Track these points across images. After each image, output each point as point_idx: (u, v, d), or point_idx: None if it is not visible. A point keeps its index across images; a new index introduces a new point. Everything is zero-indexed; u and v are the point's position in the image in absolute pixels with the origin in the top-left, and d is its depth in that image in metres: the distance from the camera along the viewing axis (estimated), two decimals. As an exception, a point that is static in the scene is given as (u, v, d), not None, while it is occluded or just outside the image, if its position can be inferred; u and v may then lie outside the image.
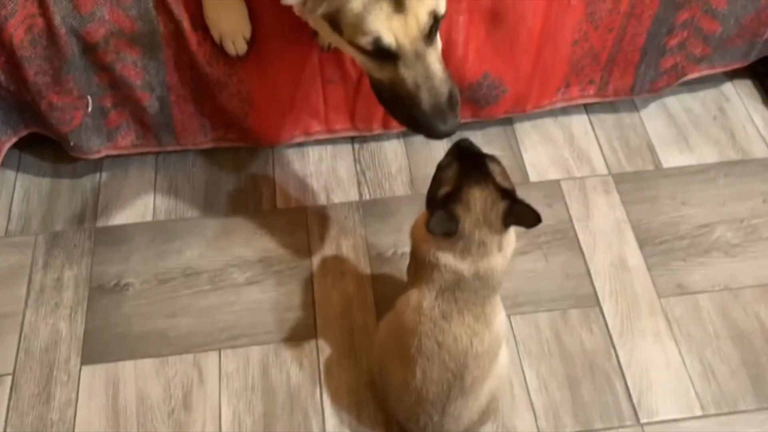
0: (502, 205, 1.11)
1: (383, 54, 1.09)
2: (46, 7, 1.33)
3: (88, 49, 1.40)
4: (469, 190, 1.10)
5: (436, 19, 1.09)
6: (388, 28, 1.06)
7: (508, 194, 1.12)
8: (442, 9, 1.10)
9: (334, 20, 1.09)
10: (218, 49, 1.43)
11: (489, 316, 1.17)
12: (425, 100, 1.09)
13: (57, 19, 1.34)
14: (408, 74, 1.09)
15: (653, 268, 1.56)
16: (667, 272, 1.56)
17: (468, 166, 1.13)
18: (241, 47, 1.41)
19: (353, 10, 1.06)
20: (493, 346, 1.20)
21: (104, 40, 1.39)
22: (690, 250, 1.59)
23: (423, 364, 1.17)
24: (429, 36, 1.10)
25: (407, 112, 1.12)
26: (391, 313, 1.26)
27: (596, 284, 1.54)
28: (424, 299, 1.16)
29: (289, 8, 1.37)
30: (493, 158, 1.16)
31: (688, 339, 1.46)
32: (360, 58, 1.14)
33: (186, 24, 1.39)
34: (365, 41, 1.08)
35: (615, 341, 1.47)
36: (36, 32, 1.36)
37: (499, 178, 1.13)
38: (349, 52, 1.16)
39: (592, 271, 1.56)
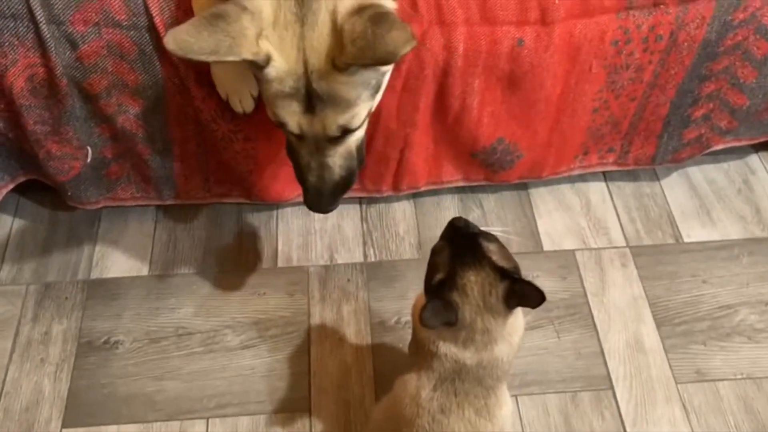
0: (501, 287, 1.02)
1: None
2: (48, 57, 1.29)
3: (90, 100, 1.37)
4: (464, 275, 1.02)
5: (345, 131, 1.11)
6: (295, 121, 1.09)
7: (507, 274, 1.04)
8: (355, 124, 1.11)
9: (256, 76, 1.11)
10: (224, 105, 1.38)
11: (492, 409, 1.08)
12: (310, 180, 1.16)
13: (59, 70, 1.31)
14: (304, 153, 1.15)
15: (671, 350, 1.47)
16: (686, 356, 1.46)
17: (460, 248, 1.05)
18: (248, 105, 1.37)
19: (267, 91, 1.08)
20: None
21: (106, 92, 1.35)
22: (710, 333, 1.50)
23: None
24: (336, 139, 1.12)
25: (297, 176, 1.20)
26: (388, 396, 1.18)
27: (610, 365, 1.45)
28: (422, 388, 1.07)
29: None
30: (488, 236, 1.09)
31: (707, 431, 1.37)
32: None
33: (192, 79, 1.34)
34: (273, 118, 1.12)
35: (628, 429, 1.37)
36: (37, 82, 1.33)
37: (495, 258, 1.05)
38: None
39: (605, 351, 1.47)
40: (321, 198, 1.17)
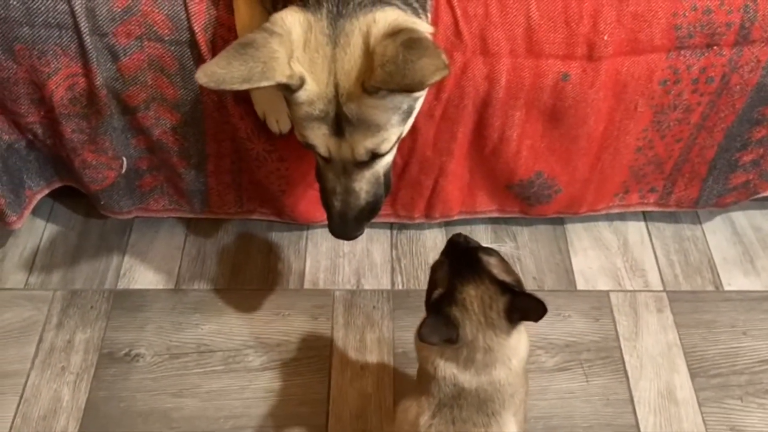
0: (502, 301, 0.99)
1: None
2: (89, 67, 1.30)
3: (128, 111, 1.37)
4: (463, 289, 1.00)
5: (374, 156, 1.08)
6: (323, 144, 1.07)
7: (507, 287, 1.00)
8: (384, 149, 1.08)
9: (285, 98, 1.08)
10: (260, 124, 1.37)
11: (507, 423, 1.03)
12: (335, 205, 1.13)
13: (99, 80, 1.31)
14: (330, 177, 1.12)
15: (705, 403, 1.41)
16: (721, 411, 1.40)
17: (459, 262, 1.03)
18: (285, 125, 1.36)
19: (296, 113, 1.06)
20: None
21: (145, 105, 1.35)
22: (748, 388, 1.43)
23: None
24: (364, 163, 1.10)
25: (322, 199, 1.17)
26: (391, 423, 1.14)
27: (639, 415, 1.40)
28: (421, 414, 1.04)
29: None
30: (488, 250, 1.06)
31: (739, 492, 1.31)
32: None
33: (230, 97, 1.34)
34: (301, 139, 1.09)
35: (655, 484, 1.32)
36: (77, 91, 1.33)
37: (495, 271, 1.02)
38: None
39: (635, 399, 1.42)
40: (345, 224, 1.14)
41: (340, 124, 1.04)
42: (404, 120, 1.09)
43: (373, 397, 1.42)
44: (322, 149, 1.08)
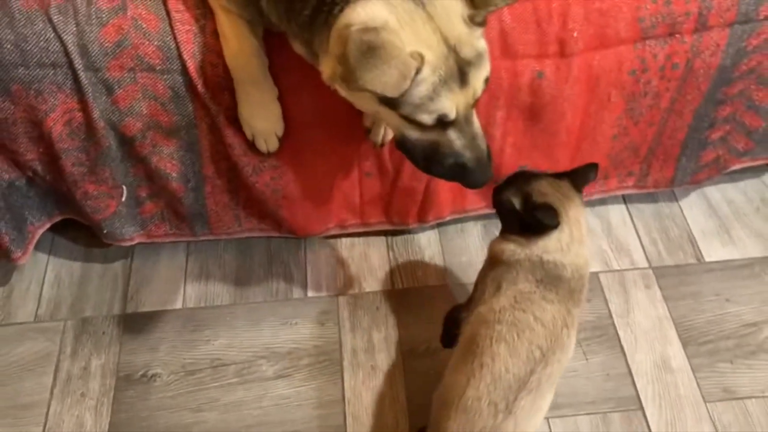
0: (564, 180, 1.26)
1: (438, 124, 1.09)
2: (85, 102, 1.34)
3: (126, 141, 1.41)
4: (535, 186, 1.23)
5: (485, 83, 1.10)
6: (452, 105, 1.06)
7: (560, 174, 1.27)
8: (489, 69, 1.10)
9: (387, 99, 1.05)
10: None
11: (573, 320, 1.20)
12: (470, 157, 1.12)
13: (96, 113, 1.36)
14: (457, 137, 1.11)
15: (698, 369, 1.50)
16: (713, 375, 1.49)
17: (517, 182, 1.26)
18: (273, 145, 1.41)
19: (421, 93, 1.04)
20: (566, 357, 1.20)
21: (141, 134, 1.40)
22: (737, 351, 1.52)
23: (512, 337, 1.15)
24: (477, 101, 1.11)
25: (447, 167, 1.14)
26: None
27: (638, 386, 1.48)
28: (516, 286, 1.20)
29: (328, 100, 1.38)
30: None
31: (738, 449, 1.39)
32: (402, 124, 1.11)
33: (222, 118, 1.39)
34: (427, 118, 1.07)
35: (659, 449, 1.40)
36: (75, 125, 1.38)
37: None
38: (390, 120, 1.12)
39: (633, 372, 1.50)
40: (486, 166, 1.14)
41: (463, 71, 1.05)
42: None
43: (387, 395, 1.47)
44: (452, 111, 1.07)
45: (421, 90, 1.03)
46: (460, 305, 1.34)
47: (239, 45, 1.28)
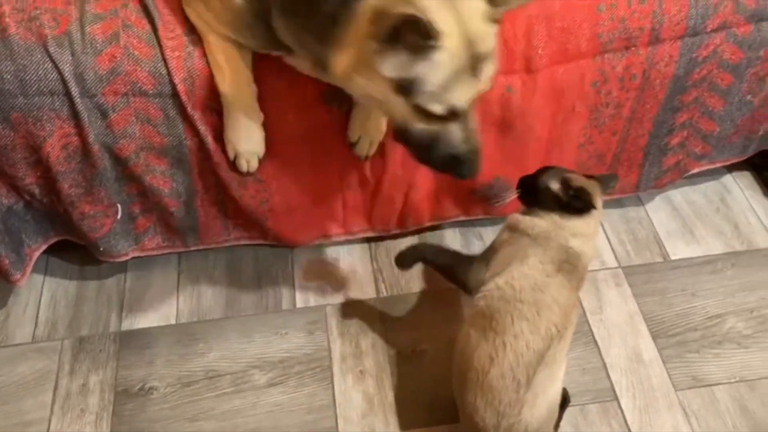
0: (594, 182, 1.39)
1: (447, 115, 1.14)
2: (81, 126, 1.41)
3: (120, 162, 1.48)
4: (571, 179, 1.36)
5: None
6: (465, 97, 1.12)
7: (588, 176, 1.41)
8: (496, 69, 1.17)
9: (404, 85, 1.10)
10: (238, 152, 1.50)
11: (576, 301, 1.34)
12: (465, 150, 1.18)
13: (91, 137, 1.42)
14: (457, 129, 1.17)
15: (668, 360, 1.59)
16: (682, 364, 1.58)
17: (552, 171, 1.39)
18: (254, 166, 1.49)
19: (435, 81, 1.09)
20: (572, 332, 1.34)
21: (135, 154, 1.47)
22: (703, 341, 1.62)
23: (533, 316, 1.26)
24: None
25: (443, 158, 1.19)
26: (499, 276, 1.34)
27: (613, 378, 1.56)
28: (542, 267, 1.30)
29: (311, 122, 1.47)
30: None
31: (708, 433, 1.48)
32: (409, 115, 1.15)
33: (209, 137, 1.46)
34: (439, 108, 1.13)
35: (635, 436, 1.48)
36: (71, 149, 1.44)
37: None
38: (397, 110, 1.16)
39: (608, 365, 1.58)
40: (478, 161, 1.21)
41: (476, 65, 1.10)
42: None
43: (376, 397, 1.54)
44: (464, 102, 1.12)
45: (438, 77, 1.08)
46: (464, 256, 1.42)
47: (234, 75, 1.36)
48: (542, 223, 1.34)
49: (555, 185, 1.35)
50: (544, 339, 1.26)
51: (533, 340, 1.25)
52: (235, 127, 1.43)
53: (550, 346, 1.26)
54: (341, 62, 1.13)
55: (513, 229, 1.37)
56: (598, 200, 1.38)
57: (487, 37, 1.12)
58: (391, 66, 1.08)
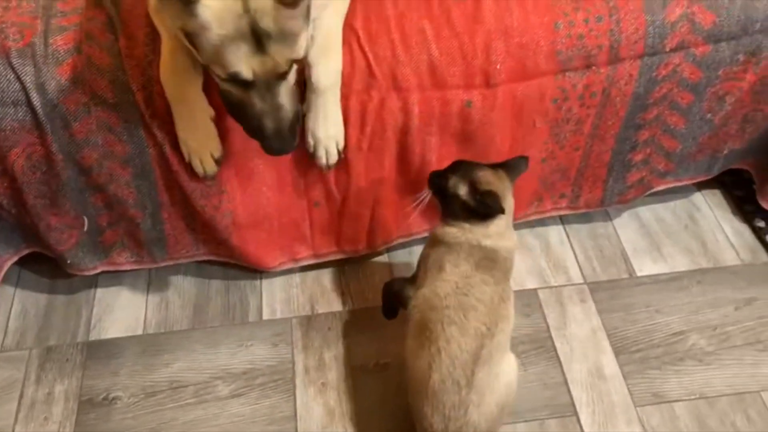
0: (503, 170, 1.43)
1: (236, 80, 1.19)
2: (44, 136, 1.43)
3: (84, 172, 1.50)
4: (479, 176, 1.38)
5: (292, 64, 1.19)
6: (246, 65, 1.15)
7: (494, 165, 1.43)
8: (301, 54, 1.20)
9: (189, 39, 1.16)
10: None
11: (509, 293, 1.39)
12: (268, 125, 1.23)
13: (55, 147, 1.45)
14: (257, 101, 1.22)
15: (629, 376, 1.59)
16: (643, 381, 1.58)
17: (460, 170, 1.41)
18: (210, 167, 1.47)
19: (210, 41, 1.13)
20: (509, 325, 1.36)
21: (98, 163, 1.49)
22: (665, 358, 1.62)
23: (460, 319, 1.30)
24: (283, 74, 1.21)
25: (250, 126, 1.26)
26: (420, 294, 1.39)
27: (573, 393, 1.56)
28: (458, 270, 1.35)
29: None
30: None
31: (666, 449, 1.48)
32: (212, 74, 1.22)
33: (168, 145, 1.47)
34: (220, 71, 1.18)
35: (593, 452, 1.48)
36: (35, 159, 1.47)
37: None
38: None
39: (569, 380, 1.59)
40: (284, 138, 1.25)
41: (260, 40, 1.13)
42: (307, 22, 1.19)
43: (336, 410, 1.55)
44: (246, 72, 1.15)
45: (208, 36, 1.12)
46: (401, 279, 1.52)
47: (172, 61, 1.36)
48: (453, 230, 1.39)
49: (463, 190, 1.39)
50: (474, 338, 1.30)
51: (464, 341, 1.29)
52: (181, 120, 1.42)
53: (483, 344, 1.30)
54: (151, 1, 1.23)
55: (433, 240, 1.43)
56: (508, 198, 1.41)
57: (276, 15, 1.12)
58: (169, 15, 1.15)
